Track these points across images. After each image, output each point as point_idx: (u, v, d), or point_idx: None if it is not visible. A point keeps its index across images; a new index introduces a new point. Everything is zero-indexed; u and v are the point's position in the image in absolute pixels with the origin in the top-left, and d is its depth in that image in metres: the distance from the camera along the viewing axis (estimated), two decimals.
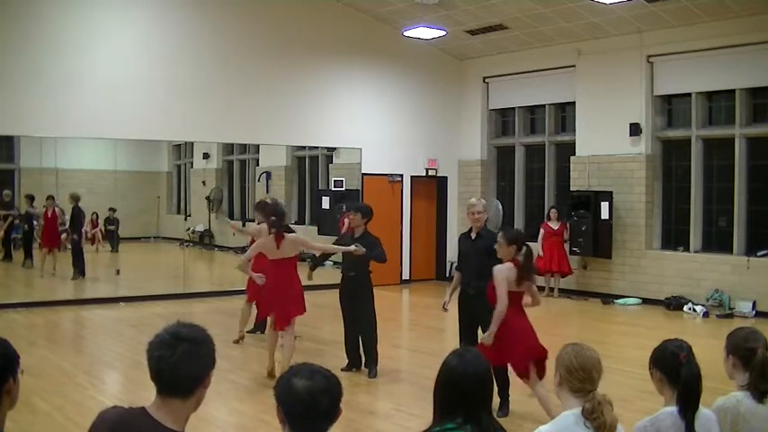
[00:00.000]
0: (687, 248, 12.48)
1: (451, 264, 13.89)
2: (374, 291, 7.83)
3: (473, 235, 6.71)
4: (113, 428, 2.19)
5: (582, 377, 2.79)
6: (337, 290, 7.97)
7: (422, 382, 6.97)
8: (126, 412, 2.23)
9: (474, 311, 6.48)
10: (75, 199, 12.70)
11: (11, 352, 2.05)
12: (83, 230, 13.15)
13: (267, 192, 14.96)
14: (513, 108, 15.20)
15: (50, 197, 12.66)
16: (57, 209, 12.75)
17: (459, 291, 6.80)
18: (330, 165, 15.33)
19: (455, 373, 2.59)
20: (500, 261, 6.08)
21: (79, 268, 13.03)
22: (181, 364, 2.15)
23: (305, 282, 7.67)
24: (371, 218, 7.83)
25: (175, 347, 2.16)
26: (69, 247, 12.93)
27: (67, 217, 12.81)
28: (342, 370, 7.53)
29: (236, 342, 9.06)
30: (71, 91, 11.64)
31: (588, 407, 2.68)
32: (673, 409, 2.96)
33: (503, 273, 5.86)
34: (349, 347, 7.89)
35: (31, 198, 12.98)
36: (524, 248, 5.98)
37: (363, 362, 7.82)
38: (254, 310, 8.92)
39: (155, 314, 10.94)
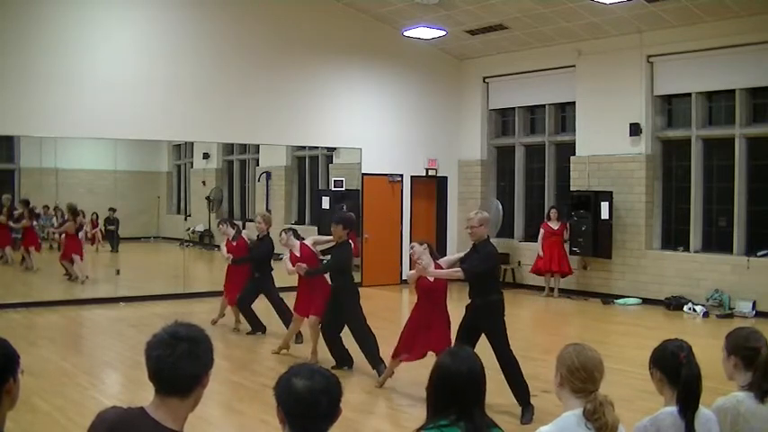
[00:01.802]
0: (687, 248, 12.47)
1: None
2: (361, 291, 8.01)
3: (474, 248, 6.60)
4: (112, 428, 2.19)
5: (584, 377, 2.78)
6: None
7: (422, 381, 6.95)
8: (125, 412, 2.23)
9: (476, 320, 6.47)
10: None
11: (11, 352, 2.05)
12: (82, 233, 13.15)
13: (267, 192, 14.97)
14: (513, 108, 15.20)
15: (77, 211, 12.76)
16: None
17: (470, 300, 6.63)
18: (330, 165, 15.33)
19: (448, 371, 2.62)
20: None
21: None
22: (180, 363, 2.16)
23: None
24: (353, 227, 8.07)
25: (175, 347, 2.17)
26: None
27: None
28: (332, 368, 7.53)
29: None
30: (71, 91, 11.65)
31: (590, 407, 2.68)
32: (673, 409, 2.96)
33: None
34: (330, 347, 7.93)
35: (26, 203, 12.92)
36: None
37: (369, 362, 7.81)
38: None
39: (155, 314, 10.93)
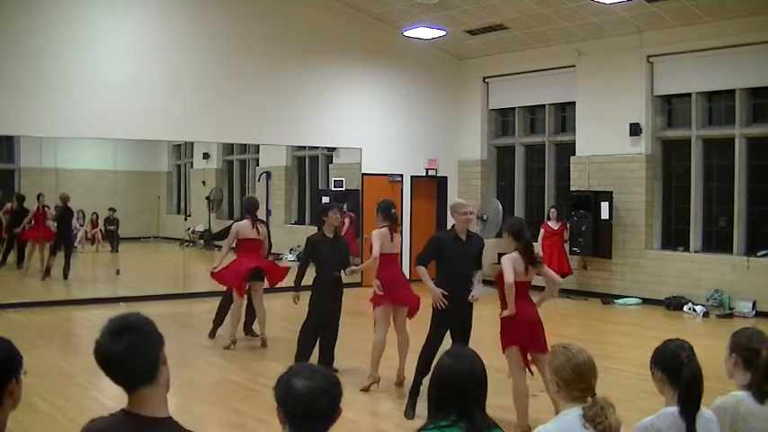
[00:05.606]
0: (687, 248, 12.47)
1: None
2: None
3: (463, 237, 6.46)
4: None
5: (582, 387, 2.81)
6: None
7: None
8: (108, 419, 2.18)
9: (466, 314, 6.45)
10: (64, 200, 12.66)
11: (14, 353, 2.04)
12: (74, 230, 13.10)
13: (267, 192, 14.97)
14: (513, 108, 15.20)
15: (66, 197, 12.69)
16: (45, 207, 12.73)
17: (449, 294, 6.33)
18: (330, 165, 15.33)
19: (449, 371, 2.63)
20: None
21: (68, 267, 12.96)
22: (131, 355, 2.14)
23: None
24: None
25: (118, 342, 2.15)
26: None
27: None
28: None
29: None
30: (71, 91, 11.65)
31: (591, 414, 2.69)
32: (673, 409, 2.96)
33: (510, 259, 5.96)
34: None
35: (21, 198, 12.90)
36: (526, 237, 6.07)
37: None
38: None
39: (155, 314, 10.66)
